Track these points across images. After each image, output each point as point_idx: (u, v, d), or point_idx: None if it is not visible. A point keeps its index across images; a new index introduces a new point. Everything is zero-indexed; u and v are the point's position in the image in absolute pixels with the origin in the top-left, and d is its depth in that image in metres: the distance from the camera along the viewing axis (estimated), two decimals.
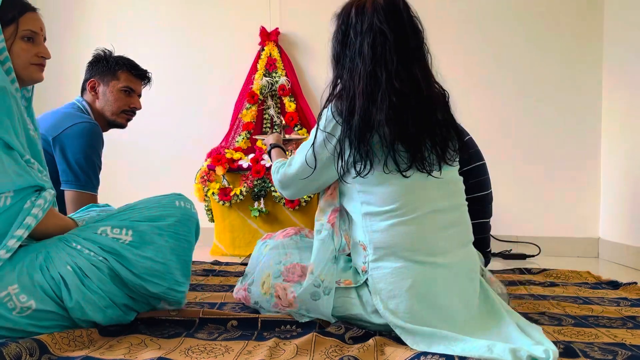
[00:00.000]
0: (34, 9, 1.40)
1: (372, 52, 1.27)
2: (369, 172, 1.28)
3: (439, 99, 1.34)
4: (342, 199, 1.40)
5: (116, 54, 2.03)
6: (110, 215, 1.39)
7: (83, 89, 2.00)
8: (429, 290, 1.26)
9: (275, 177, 1.52)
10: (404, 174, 1.26)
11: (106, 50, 2.01)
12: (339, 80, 1.35)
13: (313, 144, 1.36)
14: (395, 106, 1.25)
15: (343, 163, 1.31)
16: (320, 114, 1.36)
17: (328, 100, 1.35)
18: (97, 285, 1.27)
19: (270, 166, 2.70)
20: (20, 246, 1.29)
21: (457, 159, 1.37)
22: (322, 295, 1.35)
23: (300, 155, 1.41)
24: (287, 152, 1.85)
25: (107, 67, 1.97)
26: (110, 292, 1.30)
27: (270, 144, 1.80)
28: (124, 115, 2.01)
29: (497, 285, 1.47)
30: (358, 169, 1.28)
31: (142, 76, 2.04)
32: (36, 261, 1.26)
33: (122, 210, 1.41)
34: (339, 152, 1.31)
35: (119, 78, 1.97)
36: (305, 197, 2.67)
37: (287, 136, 1.96)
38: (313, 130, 1.37)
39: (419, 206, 1.28)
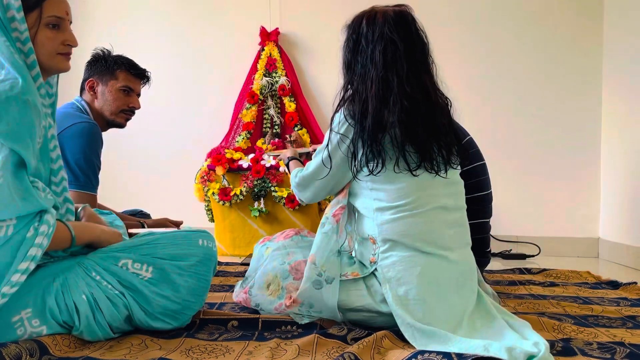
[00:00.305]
0: (140, 77, 1.28)
1: (383, 59, 1.33)
2: (380, 170, 1.33)
3: (444, 106, 1.40)
4: (352, 198, 1.45)
5: (115, 53, 2.03)
6: (133, 246, 1.33)
7: (82, 89, 2.00)
8: (437, 279, 1.31)
9: (294, 181, 1.56)
10: (413, 172, 1.33)
11: (105, 50, 2.01)
12: (349, 86, 1.40)
13: (327, 146, 1.41)
14: (407, 110, 1.31)
15: (356, 162, 1.36)
16: (332, 118, 1.42)
17: (340, 105, 1.41)
18: (107, 320, 1.25)
19: (271, 166, 2.73)
20: (37, 266, 1.24)
21: (459, 162, 1.44)
22: (324, 283, 1.37)
23: (316, 158, 1.47)
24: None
25: (105, 66, 1.96)
26: (117, 327, 1.28)
27: (288, 157, 1.84)
28: (123, 114, 2.00)
29: (486, 286, 1.52)
30: (371, 167, 1.34)
31: (141, 75, 2.03)
32: (52, 285, 1.22)
33: (146, 242, 1.34)
34: (352, 151, 1.36)
35: (117, 77, 1.96)
36: None
37: (297, 150, 1.97)
38: (327, 134, 1.43)
39: (428, 202, 1.35)
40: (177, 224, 2.16)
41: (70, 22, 1.31)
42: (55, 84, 1.37)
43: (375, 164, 1.33)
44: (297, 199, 1.60)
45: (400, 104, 1.31)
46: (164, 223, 2.13)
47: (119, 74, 1.97)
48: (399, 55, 1.33)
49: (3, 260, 1.13)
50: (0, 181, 1.11)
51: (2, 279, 1.13)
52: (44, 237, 1.16)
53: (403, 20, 1.37)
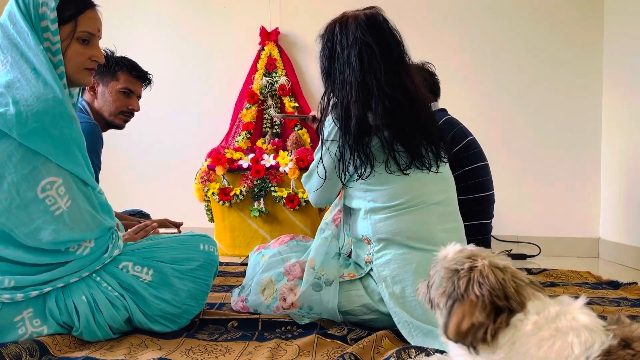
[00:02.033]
0: (93, 5, 1.28)
1: (359, 63, 1.34)
2: (370, 174, 1.34)
3: (425, 102, 1.41)
4: (347, 200, 1.45)
5: (117, 53, 2.02)
6: (134, 249, 1.34)
7: (82, 89, 1.99)
8: None
9: (304, 187, 1.56)
10: (404, 172, 1.33)
11: (107, 50, 1.99)
12: (331, 94, 1.41)
13: (320, 153, 1.41)
14: (390, 110, 1.32)
15: (343, 167, 1.36)
16: (321, 128, 1.42)
17: (324, 114, 1.41)
18: (106, 321, 1.25)
19: (271, 166, 2.73)
20: None
21: (447, 156, 1.45)
22: (324, 286, 1.37)
23: (311, 167, 1.47)
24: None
25: (107, 67, 1.94)
26: (116, 328, 1.29)
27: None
28: (122, 116, 1.98)
29: None
30: (359, 172, 1.34)
31: (143, 78, 2.01)
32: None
33: (147, 245, 1.36)
34: (339, 158, 1.36)
35: (118, 79, 1.94)
36: (304, 196, 2.67)
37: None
38: (319, 144, 1.43)
39: (421, 200, 1.35)
40: (176, 225, 2.15)
41: (100, 38, 1.31)
42: (77, 95, 1.38)
43: (364, 168, 1.33)
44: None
45: (382, 106, 1.31)
46: (163, 223, 2.12)
47: (120, 75, 1.95)
48: (375, 57, 1.34)
49: (72, 270, 1.23)
50: (70, 203, 1.19)
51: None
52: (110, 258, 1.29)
53: (375, 22, 1.37)
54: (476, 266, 0.86)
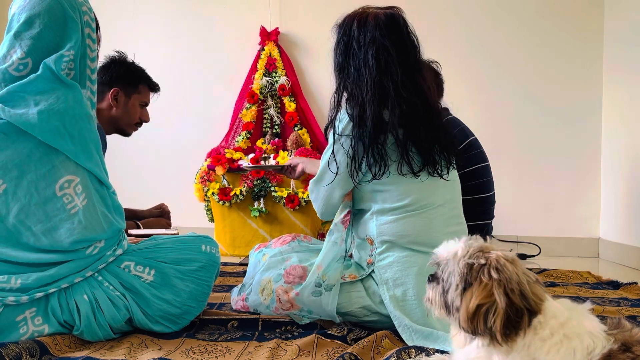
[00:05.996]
0: (155, 91, 2.01)
1: (376, 63, 1.32)
2: (384, 174, 1.32)
3: (438, 108, 1.41)
4: (357, 203, 1.44)
5: (115, 54, 2.03)
6: (136, 249, 1.35)
7: (100, 93, 1.94)
8: None
9: (310, 196, 1.52)
10: (417, 175, 1.32)
11: (125, 56, 2.01)
12: (344, 90, 1.39)
13: (332, 149, 1.39)
14: (406, 114, 1.31)
15: (356, 165, 1.34)
16: (332, 121, 1.40)
17: (336, 110, 1.39)
18: (107, 321, 1.25)
19: (271, 166, 2.73)
20: None
21: (456, 162, 1.44)
22: (323, 292, 1.37)
23: (322, 163, 1.44)
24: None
25: (129, 77, 1.97)
26: (117, 328, 1.28)
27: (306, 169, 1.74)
28: (135, 126, 2.06)
29: None
30: (373, 171, 1.32)
31: (156, 89, 2.08)
32: None
33: (149, 246, 1.37)
34: (351, 156, 1.34)
35: (140, 92, 2.01)
36: (304, 196, 2.67)
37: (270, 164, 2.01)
38: (330, 138, 1.40)
39: (429, 203, 1.35)
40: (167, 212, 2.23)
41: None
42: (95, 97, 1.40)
43: (378, 168, 1.32)
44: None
45: (399, 109, 1.30)
46: (158, 222, 2.16)
47: (142, 89, 2.01)
48: (392, 60, 1.32)
49: (77, 268, 1.23)
50: (86, 202, 1.21)
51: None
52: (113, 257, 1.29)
53: (394, 24, 1.35)
54: (491, 256, 0.85)
